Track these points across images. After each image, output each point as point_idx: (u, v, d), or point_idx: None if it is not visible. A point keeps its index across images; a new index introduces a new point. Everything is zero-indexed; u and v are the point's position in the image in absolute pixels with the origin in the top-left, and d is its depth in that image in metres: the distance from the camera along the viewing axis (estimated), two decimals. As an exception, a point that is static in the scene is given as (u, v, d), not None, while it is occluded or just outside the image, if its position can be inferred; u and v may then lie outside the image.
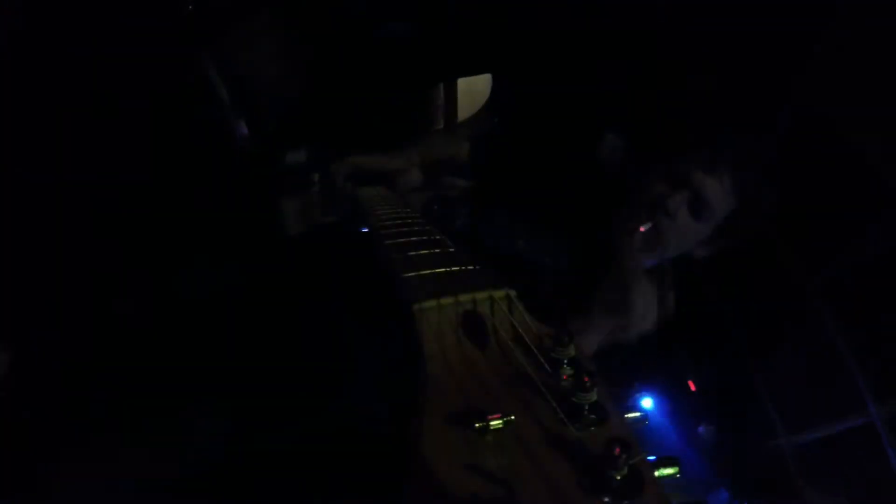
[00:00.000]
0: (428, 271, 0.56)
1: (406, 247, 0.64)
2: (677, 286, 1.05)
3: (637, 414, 0.38)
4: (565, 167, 1.20)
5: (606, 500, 0.32)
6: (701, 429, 1.13)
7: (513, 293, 0.51)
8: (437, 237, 0.69)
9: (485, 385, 0.42)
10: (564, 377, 0.42)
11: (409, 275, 0.55)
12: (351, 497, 0.72)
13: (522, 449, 0.35)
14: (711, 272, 1.13)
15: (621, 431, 0.37)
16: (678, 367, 1.16)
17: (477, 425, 0.36)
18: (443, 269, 0.56)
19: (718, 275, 1.15)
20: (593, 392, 0.38)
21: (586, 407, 0.38)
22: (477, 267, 0.57)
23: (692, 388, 1.17)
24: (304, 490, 0.77)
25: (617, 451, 0.32)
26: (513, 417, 0.37)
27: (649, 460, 0.34)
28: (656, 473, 0.34)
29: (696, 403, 1.15)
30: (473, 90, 1.50)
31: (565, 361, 0.43)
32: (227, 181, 1.14)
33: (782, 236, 1.08)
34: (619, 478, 0.32)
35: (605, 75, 1.20)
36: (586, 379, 0.38)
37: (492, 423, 0.36)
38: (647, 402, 1.14)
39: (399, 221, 0.77)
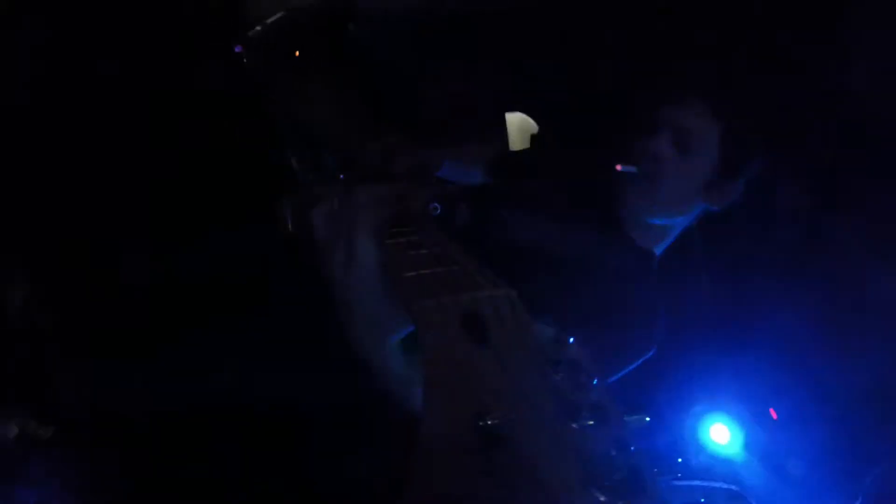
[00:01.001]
0: (428, 271, 0.56)
1: (407, 246, 0.64)
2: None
3: (638, 416, 0.38)
4: (570, 164, 1.20)
5: (605, 500, 0.32)
6: (791, 463, 0.96)
7: (513, 293, 0.51)
8: (438, 236, 0.69)
9: (485, 385, 0.42)
10: (564, 377, 0.42)
11: (410, 274, 0.55)
12: (352, 497, 0.72)
13: (523, 448, 0.35)
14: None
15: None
16: (755, 389, 1.01)
17: (478, 425, 0.36)
18: (443, 269, 0.56)
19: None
20: (593, 392, 0.38)
21: (586, 406, 0.38)
22: (478, 266, 0.57)
23: (774, 416, 1.01)
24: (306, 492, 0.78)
25: None
26: (513, 417, 0.37)
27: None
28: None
29: (780, 434, 0.99)
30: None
31: (565, 361, 0.43)
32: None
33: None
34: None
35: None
36: (585, 379, 0.38)
37: (492, 423, 0.36)
38: (719, 432, 0.98)
39: (399, 220, 0.77)
